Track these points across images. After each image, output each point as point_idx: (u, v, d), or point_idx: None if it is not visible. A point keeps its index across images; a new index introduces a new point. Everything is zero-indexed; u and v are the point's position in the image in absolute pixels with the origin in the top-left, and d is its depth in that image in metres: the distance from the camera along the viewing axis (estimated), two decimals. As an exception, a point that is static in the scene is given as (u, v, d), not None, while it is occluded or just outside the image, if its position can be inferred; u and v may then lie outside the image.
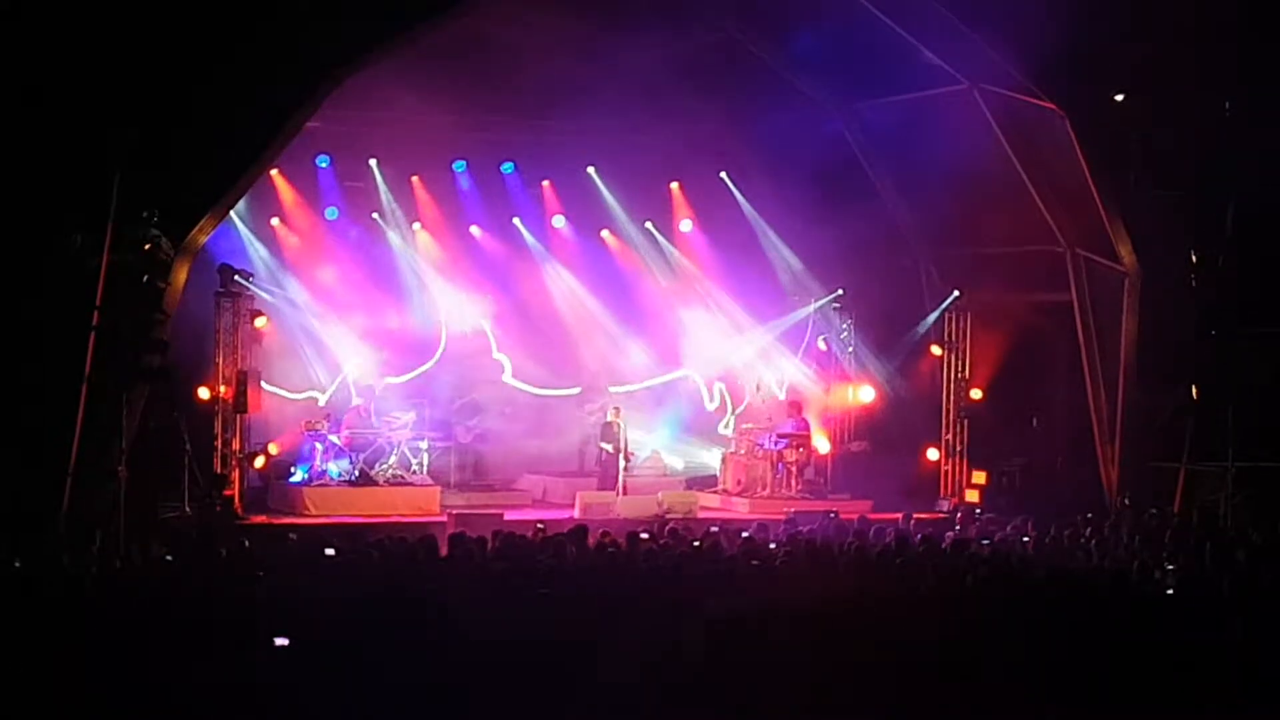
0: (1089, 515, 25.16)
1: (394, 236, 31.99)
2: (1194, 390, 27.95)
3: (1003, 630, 16.37)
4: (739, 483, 31.32)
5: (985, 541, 21.83)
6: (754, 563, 18.59)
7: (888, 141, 31.02)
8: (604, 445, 30.71)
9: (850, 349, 32.62)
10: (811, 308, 32.71)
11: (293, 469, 29.31)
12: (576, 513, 27.70)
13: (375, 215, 31.88)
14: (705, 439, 33.37)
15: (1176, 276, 28.15)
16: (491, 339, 32.70)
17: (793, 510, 26.84)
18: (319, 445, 29.18)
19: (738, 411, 33.60)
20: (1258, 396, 27.23)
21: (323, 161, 31.01)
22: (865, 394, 32.51)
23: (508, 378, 32.82)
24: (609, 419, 30.83)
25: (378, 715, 14.72)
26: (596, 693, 14.99)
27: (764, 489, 30.77)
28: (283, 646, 14.63)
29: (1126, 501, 27.65)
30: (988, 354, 31.60)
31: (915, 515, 25.67)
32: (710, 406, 33.85)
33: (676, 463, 32.98)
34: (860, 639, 15.71)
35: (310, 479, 29.00)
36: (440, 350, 32.24)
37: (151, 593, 16.91)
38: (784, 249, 32.98)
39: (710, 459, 32.76)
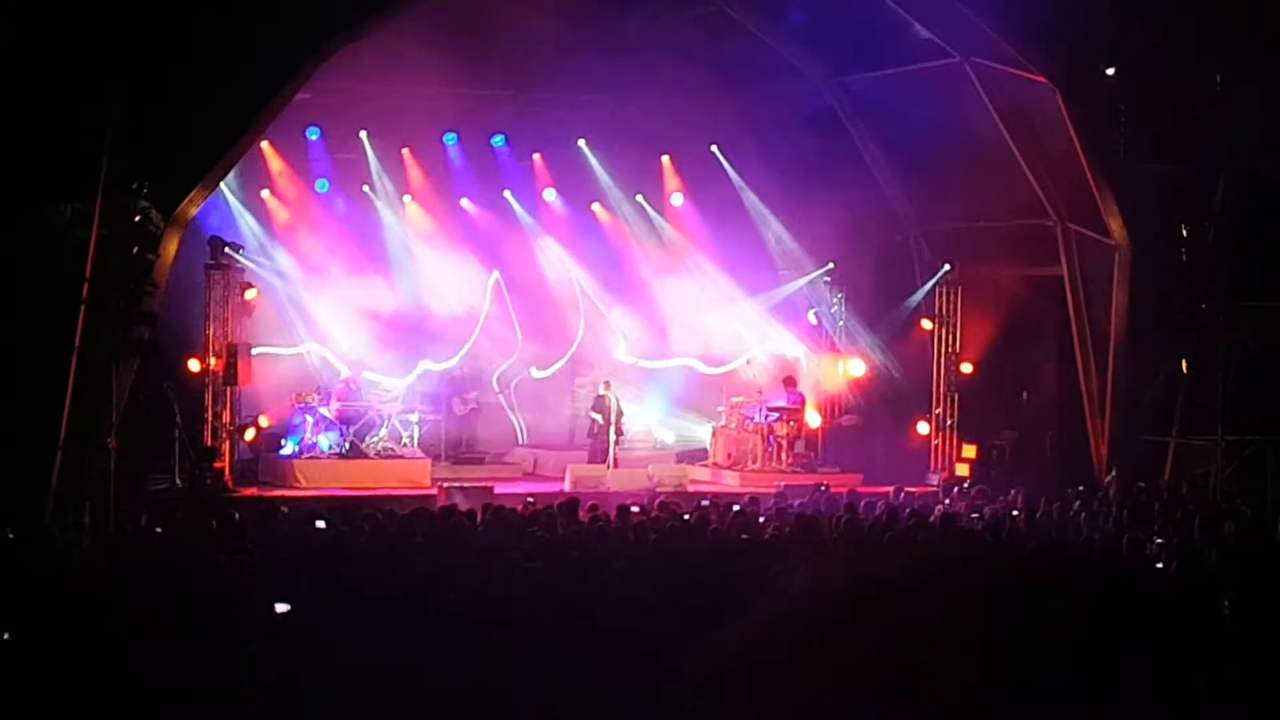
0: (1079, 489, 25.21)
1: (384, 208, 31.96)
2: (1184, 364, 27.98)
3: (993, 604, 16.37)
4: (729, 456, 31.35)
5: (975, 515, 21.85)
6: (744, 537, 18.56)
7: (879, 115, 30.99)
8: (594, 415, 30.73)
9: (841, 323, 32.61)
10: (802, 281, 32.73)
11: (283, 441, 29.37)
12: (567, 486, 27.71)
13: (365, 188, 31.86)
14: (696, 412, 33.37)
15: (1167, 250, 28.13)
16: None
17: (783, 484, 26.85)
18: (309, 418, 29.22)
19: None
20: (1247, 370, 27.25)
21: (313, 133, 30.99)
22: (856, 367, 32.51)
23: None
24: (601, 392, 30.87)
25: (369, 685, 14.71)
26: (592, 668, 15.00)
27: (754, 462, 30.79)
28: (283, 613, 14.63)
29: (1115, 475, 27.66)
30: (978, 328, 31.60)
31: (906, 489, 25.69)
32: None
33: (667, 436, 33.02)
34: (851, 615, 15.71)
35: (300, 451, 29.06)
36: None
37: (141, 565, 16.88)
38: (775, 222, 32.97)
39: (701, 432, 32.78)
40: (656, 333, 33.67)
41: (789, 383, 31.53)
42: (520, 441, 32.99)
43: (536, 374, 33.31)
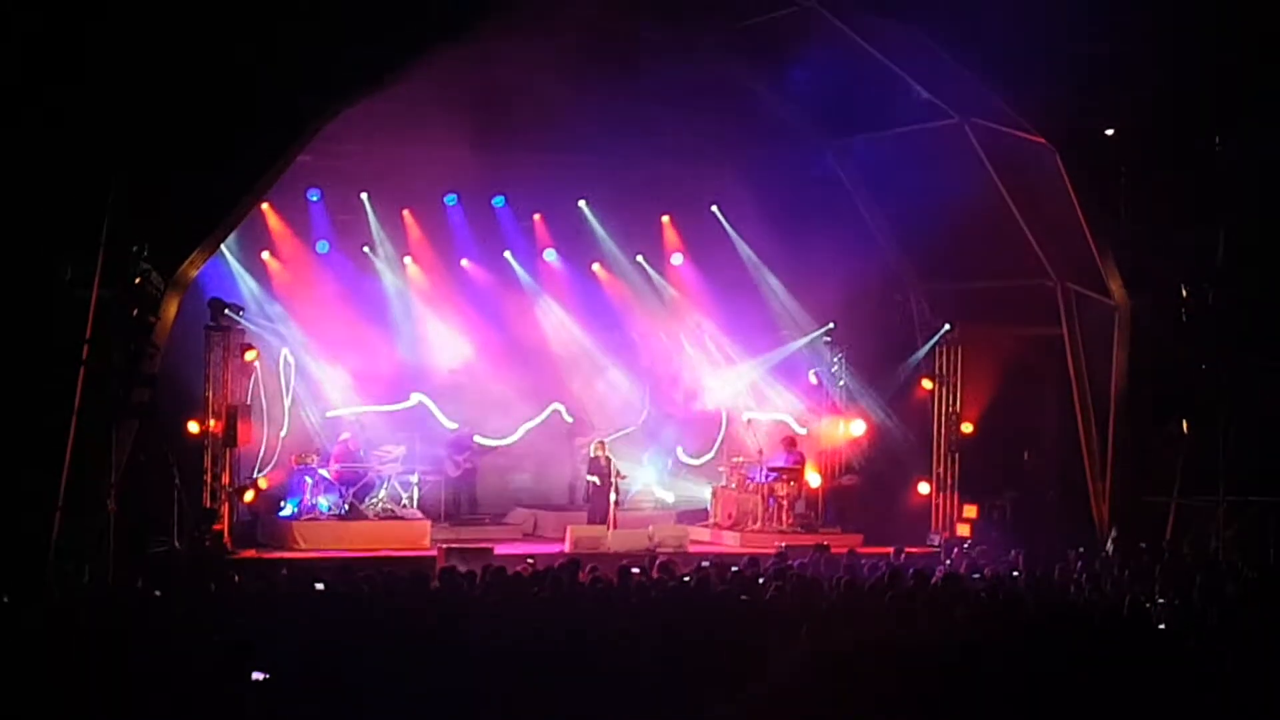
0: (1080, 549, 25.15)
1: (384, 269, 31.98)
2: (1184, 424, 27.94)
3: (994, 664, 16.31)
4: (730, 516, 31.29)
5: (976, 576, 21.79)
6: (743, 598, 18.53)
7: (879, 175, 31.06)
8: (590, 478, 30.68)
9: (841, 382, 32.62)
10: (803, 341, 32.75)
11: (282, 503, 29.29)
12: (567, 546, 27.64)
13: (366, 249, 31.87)
14: (696, 472, 33.33)
15: (1167, 311, 28.13)
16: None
17: (783, 544, 26.79)
18: (308, 479, 29.17)
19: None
20: (1248, 431, 27.21)
21: (313, 195, 31.01)
22: (856, 427, 32.50)
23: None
24: (594, 453, 30.80)
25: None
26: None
27: (755, 522, 30.73)
28: (261, 681, 14.57)
29: (1116, 536, 27.60)
30: (979, 388, 31.61)
31: (907, 549, 25.64)
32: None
33: (667, 496, 32.94)
34: (851, 678, 15.65)
35: (300, 513, 28.98)
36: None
37: (141, 627, 16.83)
38: (775, 282, 33.00)
39: (702, 492, 32.71)
40: (656, 393, 33.62)
41: (788, 443, 31.50)
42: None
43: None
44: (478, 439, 32.37)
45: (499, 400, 32.55)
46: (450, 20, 24.76)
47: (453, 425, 32.09)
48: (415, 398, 31.84)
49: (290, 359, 30.61)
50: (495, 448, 32.50)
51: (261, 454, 29.68)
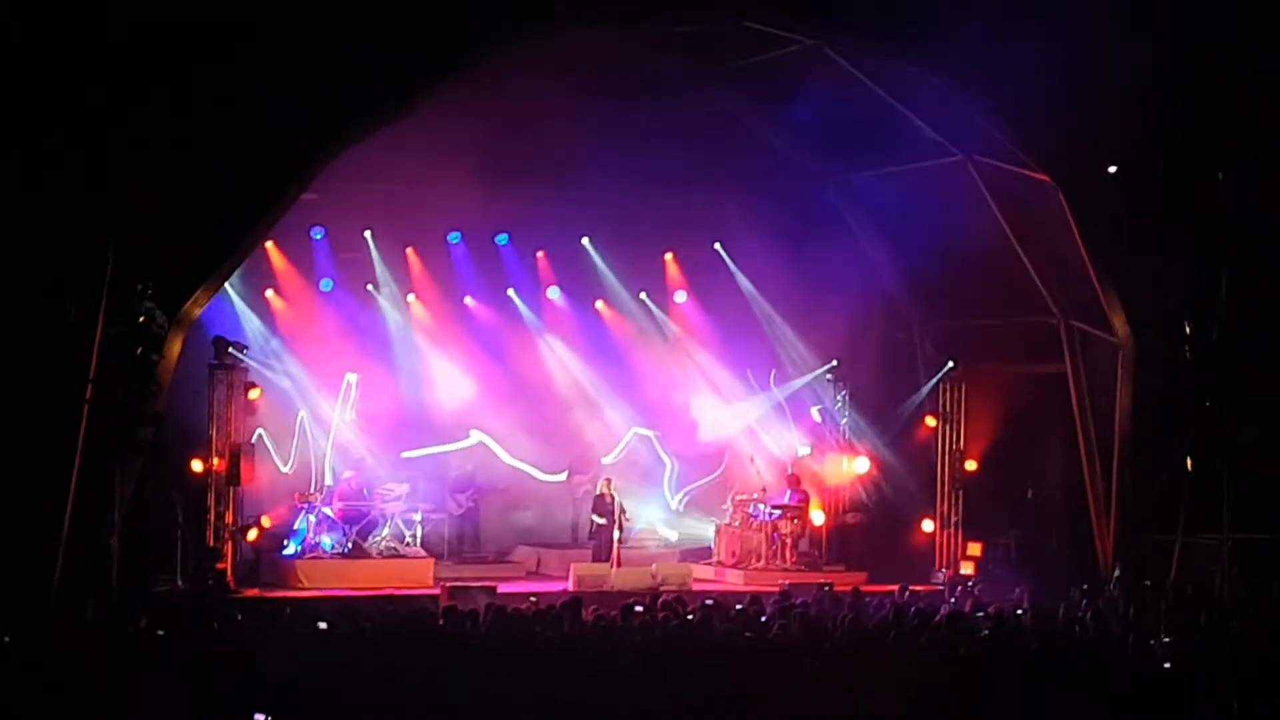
0: (1084, 587, 25.10)
1: (388, 307, 32.00)
2: (1189, 462, 27.89)
3: (999, 703, 16.29)
4: (733, 554, 31.21)
5: (980, 614, 21.73)
6: (747, 635, 18.49)
7: (882, 212, 31.12)
8: (595, 518, 30.67)
9: (845, 420, 32.61)
10: (806, 378, 32.75)
11: (285, 541, 29.23)
12: (570, 585, 27.59)
13: (369, 286, 31.91)
14: (700, 510, 33.28)
15: (1171, 347, 28.11)
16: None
17: (787, 582, 26.74)
18: (312, 517, 29.12)
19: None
20: (1253, 468, 27.17)
21: (317, 233, 31.06)
22: (860, 465, 32.48)
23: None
24: (600, 490, 30.79)
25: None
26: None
27: (759, 560, 30.68)
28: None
29: (1117, 571, 27.56)
30: (982, 425, 31.60)
31: (911, 587, 25.57)
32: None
33: (671, 534, 32.90)
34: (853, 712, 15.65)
35: (303, 551, 28.94)
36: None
37: (144, 667, 16.80)
38: (778, 320, 33.01)
39: (705, 530, 32.66)
40: (660, 429, 33.63)
41: (792, 481, 31.47)
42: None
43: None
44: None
45: (502, 437, 32.52)
46: (454, 58, 24.81)
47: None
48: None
49: (305, 415, 30.63)
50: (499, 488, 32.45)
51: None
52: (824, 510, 32.10)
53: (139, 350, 23.32)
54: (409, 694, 15.52)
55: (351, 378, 30.88)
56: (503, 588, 26.58)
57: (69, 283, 22.80)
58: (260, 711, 14.61)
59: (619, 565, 29.25)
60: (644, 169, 29.84)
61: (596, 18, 25.69)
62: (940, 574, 30.51)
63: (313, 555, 28.81)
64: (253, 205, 24.72)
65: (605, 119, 29.01)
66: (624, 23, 26.42)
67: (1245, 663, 17.53)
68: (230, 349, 28.20)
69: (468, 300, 32.69)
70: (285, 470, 30.50)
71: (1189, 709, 16.42)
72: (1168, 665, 17.99)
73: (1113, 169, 27.93)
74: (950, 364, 31.71)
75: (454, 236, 32.20)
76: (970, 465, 31.58)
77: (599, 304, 33.63)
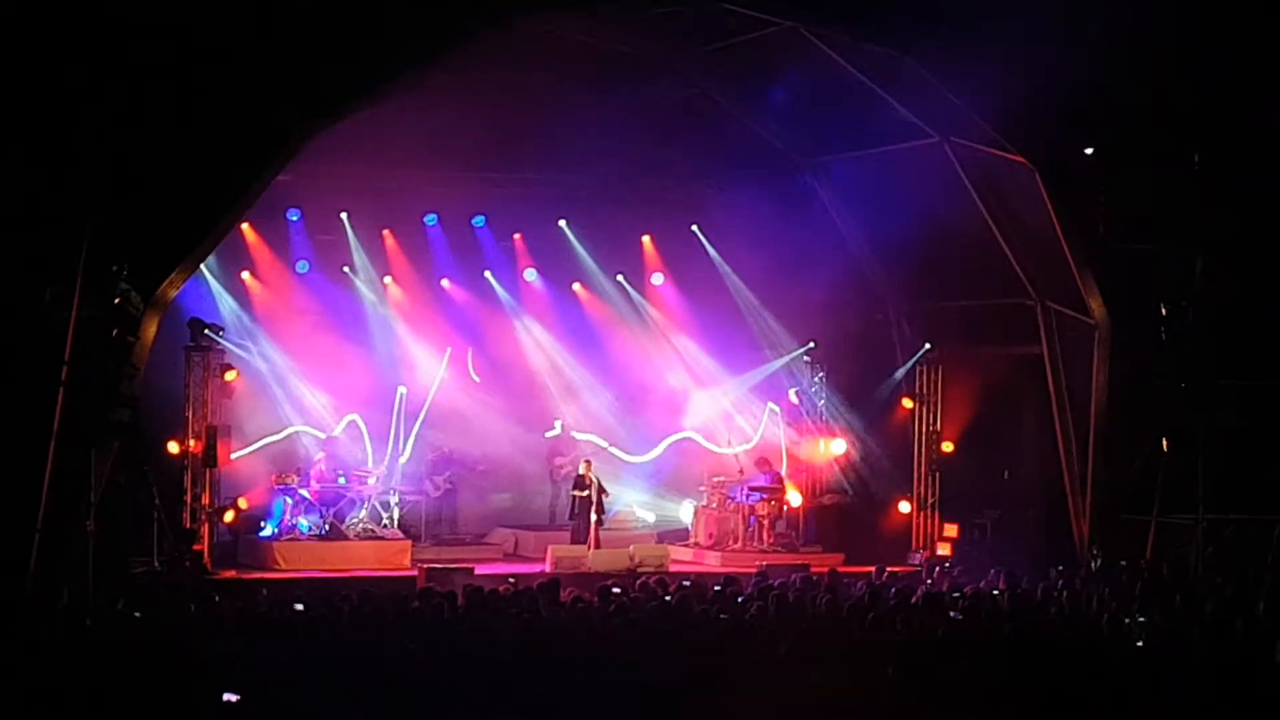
0: (1060, 568, 25.17)
1: (365, 289, 31.96)
2: (1164, 443, 27.97)
3: (975, 683, 16.33)
4: (711, 536, 31.24)
5: (957, 595, 21.79)
6: (722, 616, 18.52)
7: (859, 195, 31.12)
8: (576, 492, 30.55)
9: (822, 402, 32.65)
10: (783, 360, 32.78)
11: (262, 523, 29.22)
12: (548, 566, 27.60)
13: (346, 268, 31.86)
14: (678, 492, 33.29)
15: (1146, 329, 28.18)
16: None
17: (764, 564, 26.77)
18: (288, 499, 29.10)
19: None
20: (1228, 449, 27.26)
21: (293, 215, 31.00)
22: (837, 447, 32.53)
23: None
24: (581, 471, 30.76)
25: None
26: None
27: (736, 542, 30.73)
28: (231, 702, 14.58)
29: (1097, 554, 27.63)
30: (959, 407, 31.66)
31: (888, 568, 25.63)
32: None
33: (648, 516, 32.91)
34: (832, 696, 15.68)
35: (280, 533, 28.94)
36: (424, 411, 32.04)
37: (120, 649, 16.79)
38: (755, 302, 33.02)
39: (683, 512, 32.69)
40: (635, 413, 33.63)
41: (762, 463, 31.50)
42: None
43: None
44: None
45: (479, 420, 32.49)
46: (432, 41, 24.77)
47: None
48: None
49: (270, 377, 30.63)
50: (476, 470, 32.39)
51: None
52: (801, 492, 32.15)
53: (114, 332, 23.25)
54: (385, 675, 15.52)
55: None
56: (480, 569, 26.62)
57: (44, 265, 22.73)
58: (231, 692, 14.64)
59: (597, 547, 29.27)
60: (621, 152, 29.85)
61: (575, 1, 25.68)
62: (917, 555, 30.58)
63: (290, 537, 28.81)
64: (228, 187, 24.64)
65: (583, 101, 29.01)
66: (602, 4, 26.39)
67: (1219, 642, 17.60)
68: (206, 331, 28.17)
69: (444, 282, 32.64)
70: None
71: (1163, 688, 16.48)
72: (1141, 645, 18.06)
73: (1089, 151, 27.97)
74: (927, 346, 31.77)
75: (430, 219, 32.12)
76: (947, 447, 31.63)
77: (576, 286, 33.61)
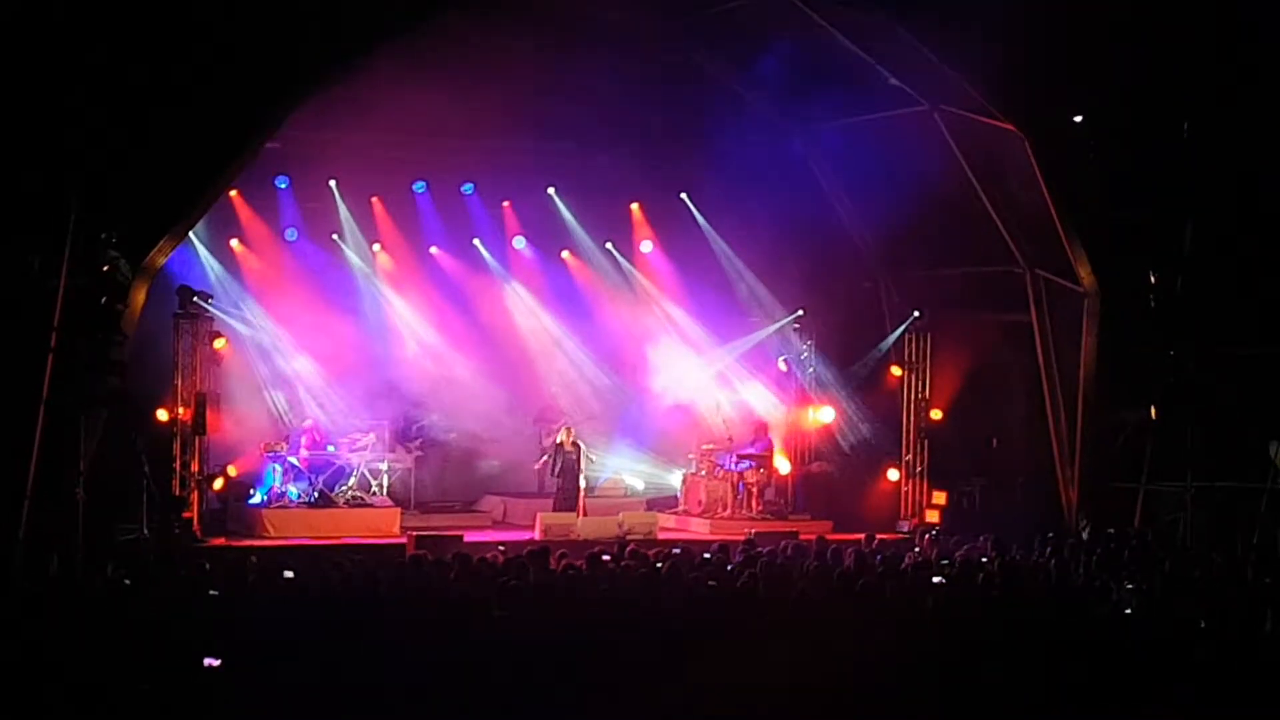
0: (1048, 535, 25.22)
1: (353, 257, 31.94)
2: (1153, 411, 28.02)
3: (963, 650, 16.37)
4: (700, 503, 31.27)
5: (945, 562, 21.83)
6: (711, 584, 18.55)
7: (848, 162, 31.07)
8: (551, 456, 30.51)
9: (811, 369, 32.66)
10: (772, 328, 32.77)
11: (252, 490, 29.23)
12: (537, 534, 27.63)
13: (335, 236, 31.83)
14: (667, 459, 33.31)
15: (1136, 297, 28.21)
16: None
17: (753, 531, 26.81)
18: (278, 467, 29.11)
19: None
20: (1216, 417, 27.30)
21: (282, 182, 30.96)
22: (825, 414, 32.54)
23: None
24: (560, 439, 30.65)
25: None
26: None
27: (725, 510, 30.76)
28: (213, 667, 14.62)
29: (1086, 522, 27.69)
30: (948, 374, 31.66)
31: (877, 536, 25.66)
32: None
33: (637, 483, 32.93)
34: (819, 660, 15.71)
35: (269, 500, 28.94)
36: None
37: (109, 615, 16.79)
38: (744, 270, 33.01)
39: (671, 479, 32.71)
40: (626, 380, 33.65)
41: (758, 429, 31.53)
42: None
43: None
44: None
45: (468, 387, 32.48)
46: (420, 6, 24.73)
47: None
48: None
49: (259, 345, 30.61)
50: (448, 438, 32.34)
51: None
52: (790, 459, 32.17)
53: (103, 300, 23.26)
54: (374, 642, 15.53)
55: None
56: (469, 537, 26.67)
57: (33, 232, 22.70)
58: (212, 656, 14.67)
59: (585, 514, 29.30)
60: (610, 119, 29.81)
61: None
62: (906, 523, 30.62)
63: (279, 504, 28.81)
64: (217, 154, 24.62)
65: (571, 69, 28.94)
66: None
67: (1207, 610, 17.65)
68: (195, 298, 28.14)
69: (433, 250, 32.63)
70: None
71: (1150, 656, 16.52)
72: (1129, 612, 18.10)
73: (1079, 119, 27.96)
74: (916, 314, 31.75)
75: (419, 186, 32.09)
76: (935, 414, 31.65)
77: (565, 254, 33.60)
